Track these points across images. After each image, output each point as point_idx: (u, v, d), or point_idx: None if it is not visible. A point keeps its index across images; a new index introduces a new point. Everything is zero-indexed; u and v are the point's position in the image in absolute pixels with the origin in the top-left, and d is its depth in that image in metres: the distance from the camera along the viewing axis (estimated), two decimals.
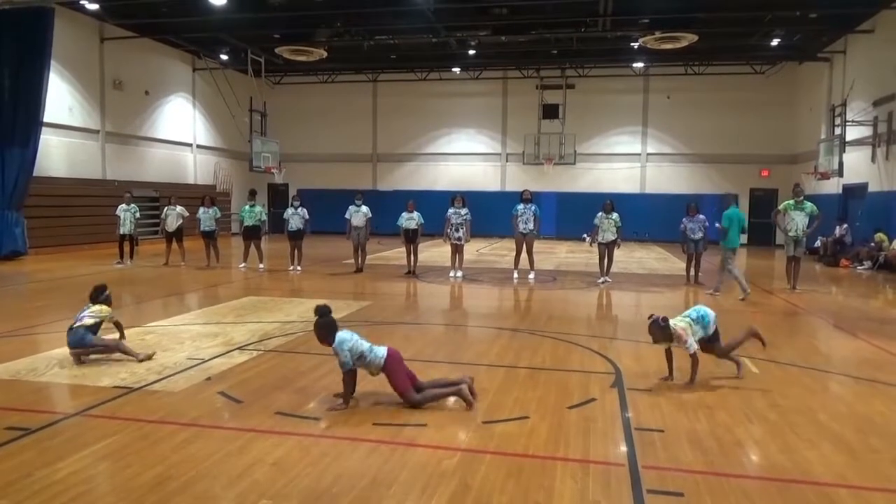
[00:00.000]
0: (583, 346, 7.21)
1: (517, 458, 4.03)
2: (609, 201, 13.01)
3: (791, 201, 11.95)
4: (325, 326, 4.94)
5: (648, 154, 26.45)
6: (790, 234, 11.81)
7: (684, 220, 12.86)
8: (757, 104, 24.77)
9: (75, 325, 6.15)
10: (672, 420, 4.81)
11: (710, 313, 5.80)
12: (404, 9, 17.48)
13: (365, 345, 4.93)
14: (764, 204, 23.95)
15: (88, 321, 6.19)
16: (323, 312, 4.97)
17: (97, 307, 6.34)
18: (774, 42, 20.29)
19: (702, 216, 12.87)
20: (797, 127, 24.23)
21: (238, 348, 6.79)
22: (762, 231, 24.34)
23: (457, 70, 26.14)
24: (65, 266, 14.39)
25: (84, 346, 6.09)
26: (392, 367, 4.90)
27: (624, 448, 4.23)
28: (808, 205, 11.82)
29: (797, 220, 11.73)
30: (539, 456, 4.07)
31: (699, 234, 12.73)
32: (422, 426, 4.53)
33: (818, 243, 18.76)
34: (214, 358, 6.37)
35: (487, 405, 5.06)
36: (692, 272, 12.94)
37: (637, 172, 26.46)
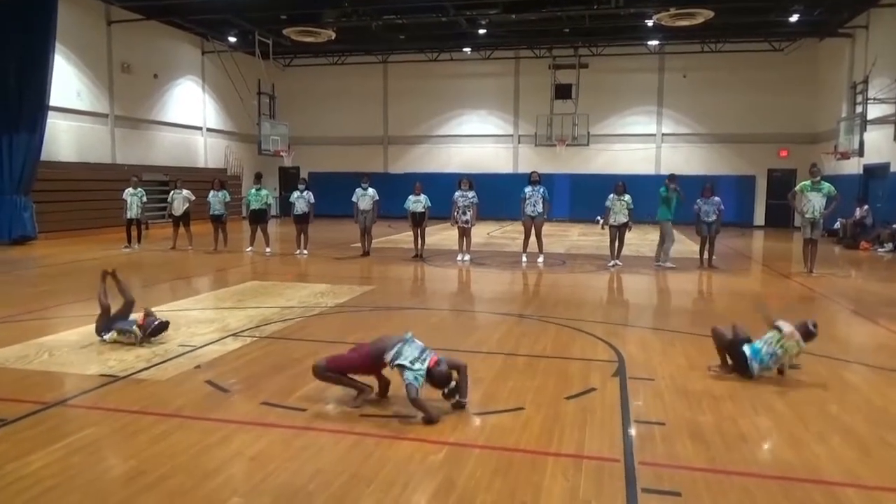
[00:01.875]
0: (587, 332, 6.98)
1: (507, 453, 3.84)
2: (621, 183, 12.69)
3: (807, 182, 11.56)
4: None
5: (664, 134, 25.91)
6: (806, 215, 11.44)
7: (699, 201, 12.49)
8: (776, 82, 24.11)
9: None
10: (674, 411, 4.59)
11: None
12: None
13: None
14: (782, 185, 23.35)
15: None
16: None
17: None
18: (794, 18, 19.63)
19: (717, 198, 12.48)
20: (817, 105, 23.57)
21: (232, 335, 6.64)
22: (780, 213, 23.81)
23: (468, 50, 25.70)
24: (73, 251, 14.37)
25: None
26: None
27: (621, 442, 4.02)
28: (826, 185, 11.43)
29: (814, 202, 11.35)
30: (530, 451, 3.88)
31: (713, 217, 12.35)
32: (411, 418, 4.34)
33: (837, 225, 18.28)
34: (207, 345, 6.23)
35: (481, 395, 4.87)
36: (706, 255, 12.59)
37: (652, 153, 25.94)
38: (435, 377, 4.36)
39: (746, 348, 5.25)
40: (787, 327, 5.22)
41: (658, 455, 3.85)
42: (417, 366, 4.32)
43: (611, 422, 4.37)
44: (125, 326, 6.13)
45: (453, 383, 4.41)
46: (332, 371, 4.55)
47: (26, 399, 4.66)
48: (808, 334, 5.26)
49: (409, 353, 4.38)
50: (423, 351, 4.43)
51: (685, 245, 16.69)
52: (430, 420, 4.22)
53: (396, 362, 4.37)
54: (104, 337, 6.16)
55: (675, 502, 3.30)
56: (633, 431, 4.20)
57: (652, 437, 4.12)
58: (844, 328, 7.93)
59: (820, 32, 21.72)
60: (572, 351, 6.26)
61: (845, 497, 3.37)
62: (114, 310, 6.28)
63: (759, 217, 25.12)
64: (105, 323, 6.20)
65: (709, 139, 25.37)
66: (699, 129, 25.45)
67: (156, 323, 6.22)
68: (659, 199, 12.59)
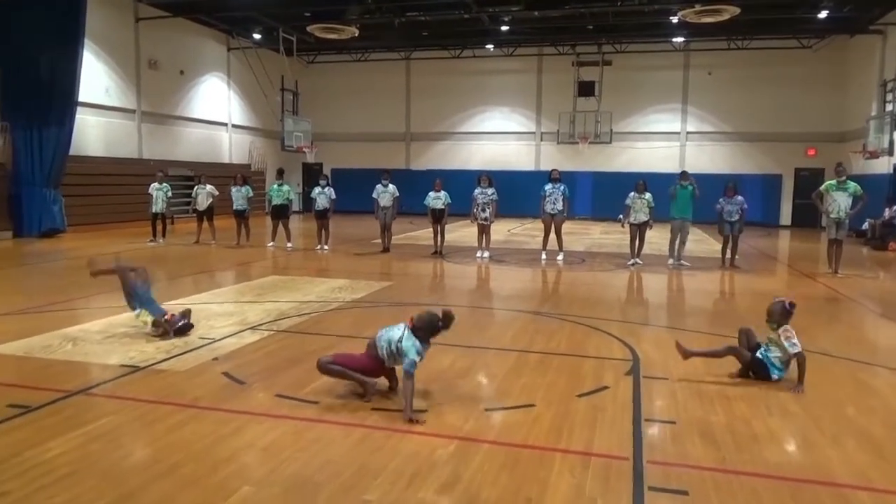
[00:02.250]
0: (602, 330, 6.96)
1: (515, 449, 3.85)
2: (642, 181, 12.60)
3: (833, 181, 11.38)
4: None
5: (688, 133, 25.63)
6: (831, 215, 11.26)
7: (721, 200, 12.33)
8: (804, 80, 23.71)
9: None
10: (687, 411, 4.57)
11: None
12: None
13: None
14: (809, 184, 22.76)
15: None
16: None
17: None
18: (822, 14, 19.29)
19: (740, 197, 12.30)
20: (846, 103, 23.12)
21: (250, 328, 6.74)
22: (807, 213, 23.39)
23: (490, 47, 25.66)
24: (100, 243, 14.65)
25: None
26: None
27: (630, 441, 4.01)
28: (852, 185, 11.24)
29: (839, 201, 11.17)
30: (538, 447, 3.89)
31: (736, 217, 12.19)
32: (421, 412, 4.37)
33: (866, 225, 17.93)
34: (225, 338, 6.33)
35: (493, 392, 4.90)
36: (728, 255, 12.43)
37: (676, 151, 25.66)
38: (419, 324, 4.44)
39: (760, 356, 5.23)
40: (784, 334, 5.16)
41: (667, 454, 3.84)
42: (405, 342, 4.39)
43: (621, 420, 4.36)
44: (157, 314, 6.26)
45: (440, 314, 4.48)
46: (338, 364, 4.61)
47: (48, 387, 4.79)
48: (784, 313, 5.20)
49: (395, 333, 4.48)
50: (403, 327, 4.50)
51: (707, 245, 16.53)
52: (408, 419, 4.17)
53: (397, 347, 4.43)
54: (136, 312, 6.31)
55: (682, 501, 3.29)
56: (643, 430, 4.19)
57: (662, 436, 4.11)
58: (870, 331, 7.81)
59: (850, 29, 21.30)
60: (587, 349, 6.25)
61: (856, 499, 3.33)
62: (132, 276, 6.44)
63: (786, 217, 24.74)
64: (131, 290, 6.34)
65: (734, 137, 25.04)
66: (724, 128, 25.13)
67: (181, 323, 6.34)
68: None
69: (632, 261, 12.44)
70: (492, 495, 3.29)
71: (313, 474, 3.47)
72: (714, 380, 5.25)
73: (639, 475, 3.54)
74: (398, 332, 4.48)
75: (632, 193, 12.42)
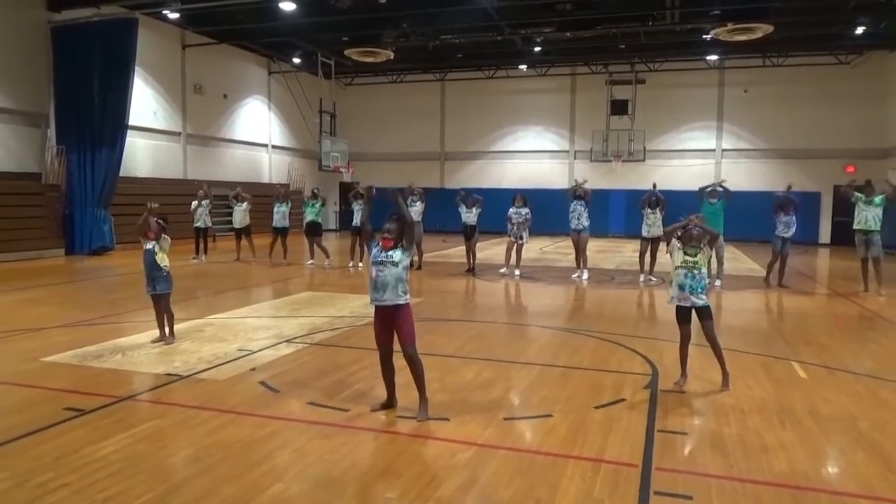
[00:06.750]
0: (626, 346, 7.12)
1: (530, 455, 4.08)
2: (653, 197, 12.91)
3: (862, 194, 11.39)
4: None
5: (724, 150, 25.48)
6: (857, 227, 11.31)
7: (780, 211, 12.13)
8: (843, 96, 23.40)
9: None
10: (700, 423, 4.73)
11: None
12: (467, 8, 17.54)
13: None
14: (848, 201, 22.56)
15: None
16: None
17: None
18: (859, 30, 19.12)
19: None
20: (887, 119, 22.74)
21: (286, 341, 7.10)
22: (846, 230, 22.92)
23: (524, 67, 26.00)
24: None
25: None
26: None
27: (641, 449, 4.19)
28: (877, 198, 11.21)
29: (866, 213, 11.15)
30: (552, 453, 4.10)
31: (791, 232, 12.07)
32: (444, 420, 4.64)
33: None
34: (262, 350, 6.69)
35: (513, 402, 5.12)
36: (773, 273, 12.28)
37: (711, 169, 25.47)
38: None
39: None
40: None
41: (676, 462, 4.02)
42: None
43: (635, 430, 4.54)
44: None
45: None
46: None
47: (101, 393, 5.18)
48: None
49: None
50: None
51: (743, 262, 16.42)
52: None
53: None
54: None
55: None
56: (655, 439, 4.36)
57: (673, 446, 4.27)
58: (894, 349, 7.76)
59: (889, 44, 21.04)
60: (609, 363, 6.42)
61: None
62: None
63: (825, 235, 24.32)
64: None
65: (771, 154, 24.79)
66: (761, 145, 24.92)
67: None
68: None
69: (643, 277, 12.53)
70: (505, 496, 3.52)
71: (341, 474, 3.75)
72: (730, 394, 5.37)
73: (646, 480, 3.72)
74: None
75: (646, 209, 12.67)
